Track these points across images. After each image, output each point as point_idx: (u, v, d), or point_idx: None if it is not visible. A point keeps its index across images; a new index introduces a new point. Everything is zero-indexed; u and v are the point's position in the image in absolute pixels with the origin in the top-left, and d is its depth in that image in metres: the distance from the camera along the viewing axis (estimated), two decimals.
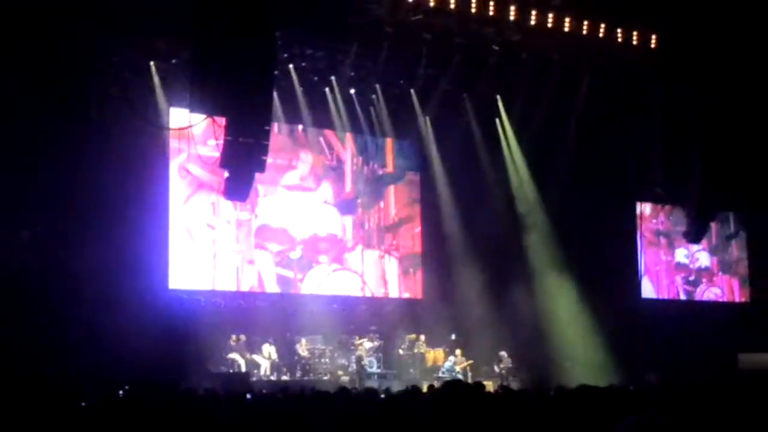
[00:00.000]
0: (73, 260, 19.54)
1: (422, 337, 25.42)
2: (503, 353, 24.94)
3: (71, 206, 19.91)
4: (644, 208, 30.21)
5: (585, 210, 27.36)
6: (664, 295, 30.68)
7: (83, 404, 8.13)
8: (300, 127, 25.30)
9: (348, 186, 26.52)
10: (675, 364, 23.90)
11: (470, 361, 24.90)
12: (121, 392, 15.13)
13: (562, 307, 26.61)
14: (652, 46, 23.10)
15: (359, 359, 23.94)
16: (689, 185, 21.32)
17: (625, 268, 29.17)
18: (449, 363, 24.66)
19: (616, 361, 25.24)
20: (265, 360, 23.35)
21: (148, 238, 21.93)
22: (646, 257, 30.33)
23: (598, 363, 25.09)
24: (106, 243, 19.85)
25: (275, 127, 22.46)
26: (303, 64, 23.89)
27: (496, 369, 24.71)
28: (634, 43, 23.11)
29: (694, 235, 22.24)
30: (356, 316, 25.60)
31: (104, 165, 20.37)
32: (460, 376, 23.16)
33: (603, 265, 27.05)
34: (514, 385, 22.09)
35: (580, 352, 25.84)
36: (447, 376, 23.21)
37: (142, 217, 21.56)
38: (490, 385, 20.24)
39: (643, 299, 29.86)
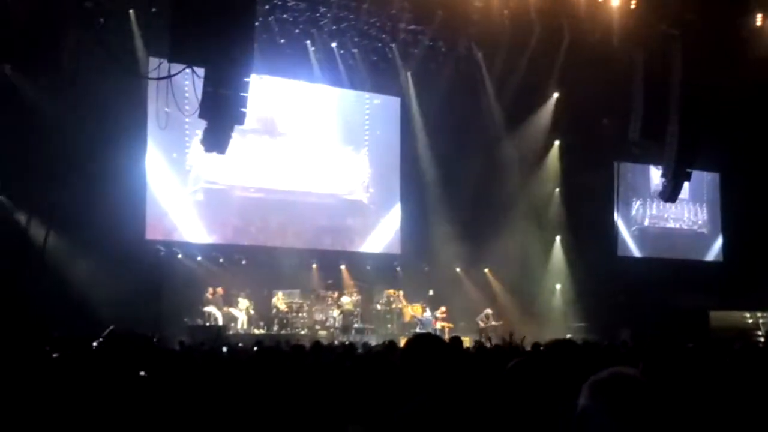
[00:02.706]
0: (48, 210, 19.35)
1: (400, 293, 25.51)
2: (489, 310, 25.06)
3: (46, 157, 19.63)
4: (622, 167, 30.24)
5: (563, 167, 27.43)
6: (641, 254, 30.90)
7: (55, 355, 8.06)
8: None
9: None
10: (649, 321, 24.08)
11: (451, 325, 24.97)
12: (95, 344, 15.05)
13: (539, 262, 26.77)
14: (632, 6, 22.99)
15: (349, 313, 24.06)
16: (666, 145, 21.27)
17: (602, 226, 29.27)
18: (428, 314, 24.80)
19: (591, 316, 25.46)
20: (241, 313, 23.37)
21: (126, 188, 21.78)
22: (623, 215, 30.49)
23: (573, 318, 25.26)
24: (84, 193, 19.70)
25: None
26: (284, 15, 23.70)
27: (481, 324, 24.76)
28: (615, 2, 23.00)
29: (669, 195, 22.24)
30: (335, 270, 25.61)
31: (80, 113, 20.10)
32: (438, 332, 23.20)
33: (580, 223, 27.17)
34: (493, 341, 22.17)
35: (556, 307, 26.01)
36: (427, 329, 23.25)
37: (119, 167, 21.38)
38: (467, 341, 20.32)
39: (619, 257, 30.00)
